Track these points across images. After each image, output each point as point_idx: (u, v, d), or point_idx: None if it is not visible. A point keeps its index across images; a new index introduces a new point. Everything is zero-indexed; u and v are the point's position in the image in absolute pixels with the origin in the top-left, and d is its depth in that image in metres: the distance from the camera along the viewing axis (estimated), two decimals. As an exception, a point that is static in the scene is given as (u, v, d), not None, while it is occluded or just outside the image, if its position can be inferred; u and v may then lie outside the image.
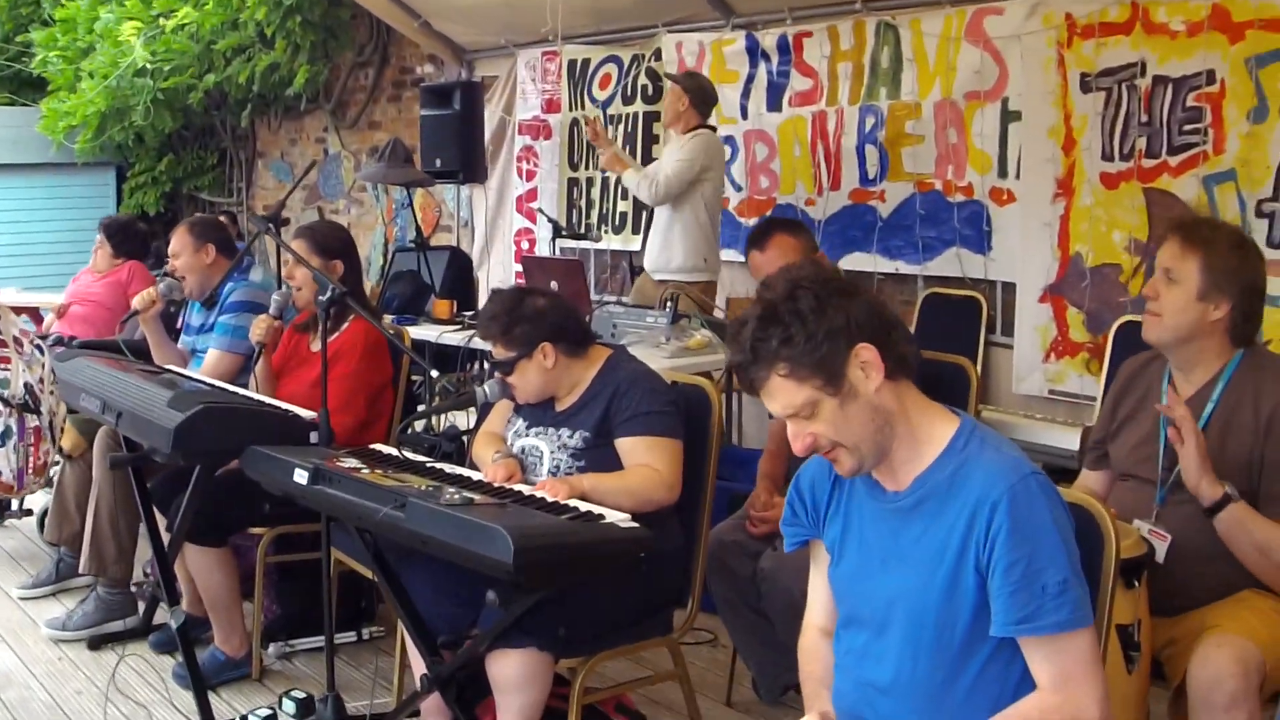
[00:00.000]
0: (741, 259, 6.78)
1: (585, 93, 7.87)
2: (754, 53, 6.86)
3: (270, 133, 11.34)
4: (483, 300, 8.10)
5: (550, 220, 6.94)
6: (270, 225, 4.01)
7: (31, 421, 2.89)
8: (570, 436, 3.29)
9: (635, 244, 7.50)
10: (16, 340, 3.08)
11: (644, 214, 7.42)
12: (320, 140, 10.80)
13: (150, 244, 6.98)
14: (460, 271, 7.27)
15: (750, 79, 6.91)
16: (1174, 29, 5.32)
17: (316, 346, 4.33)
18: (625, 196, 7.64)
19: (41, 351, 3.09)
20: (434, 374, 3.43)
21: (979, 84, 5.96)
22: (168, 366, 4.55)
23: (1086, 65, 5.58)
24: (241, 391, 4.02)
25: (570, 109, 7.97)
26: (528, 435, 3.39)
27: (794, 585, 3.49)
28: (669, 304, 5.22)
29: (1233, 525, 2.73)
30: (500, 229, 8.64)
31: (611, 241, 7.67)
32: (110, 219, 6.70)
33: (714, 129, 6.18)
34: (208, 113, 10.94)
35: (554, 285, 5.68)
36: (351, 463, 3.16)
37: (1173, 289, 2.89)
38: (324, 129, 10.71)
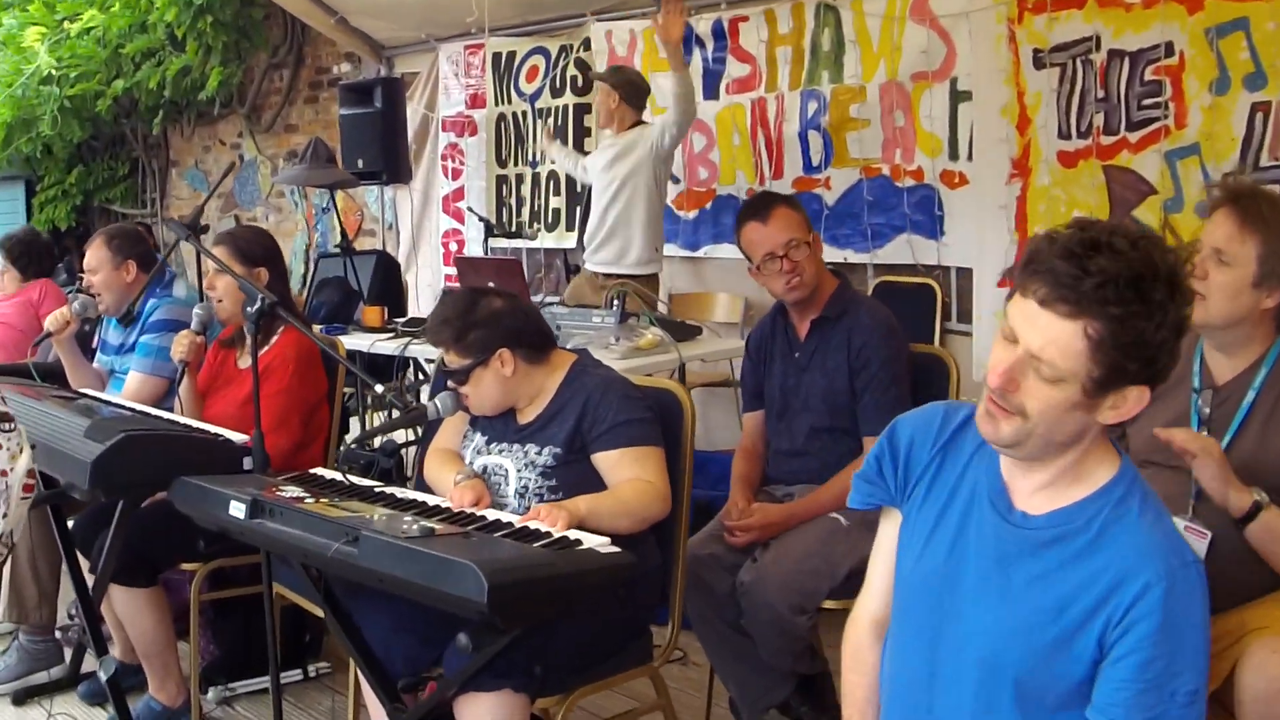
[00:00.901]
0: (686, 254, 6.58)
1: (512, 86, 7.58)
2: (688, 39, 6.57)
3: (183, 140, 10.91)
4: (413, 305, 7.84)
5: (481, 219, 6.66)
6: (189, 231, 3.69)
7: None
8: (539, 453, 2.99)
9: (569, 241, 7.24)
10: None
11: (578, 209, 7.16)
12: (235, 146, 10.40)
13: (59, 257, 6.58)
14: (388, 276, 6.95)
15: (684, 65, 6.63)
16: (1128, 1, 5.14)
17: (245, 363, 4.02)
18: (558, 192, 7.36)
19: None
20: (378, 388, 3.09)
21: (926, 64, 5.75)
22: (84, 390, 4.22)
23: (1039, 41, 5.39)
24: (165, 415, 3.70)
25: (496, 104, 7.67)
26: (489, 452, 3.08)
27: (777, 600, 3.26)
28: (615, 302, 4.95)
29: (1264, 534, 2.48)
30: (426, 230, 8.32)
31: (545, 239, 7.37)
32: (8, 238, 6.26)
33: (647, 124, 5.92)
34: (117, 121, 10.47)
35: (491, 286, 5.41)
36: (292, 491, 2.86)
37: (1224, 271, 2.58)
38: (239, 134, 10.31)
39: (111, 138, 11.19)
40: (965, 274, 5.77)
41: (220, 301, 3.96)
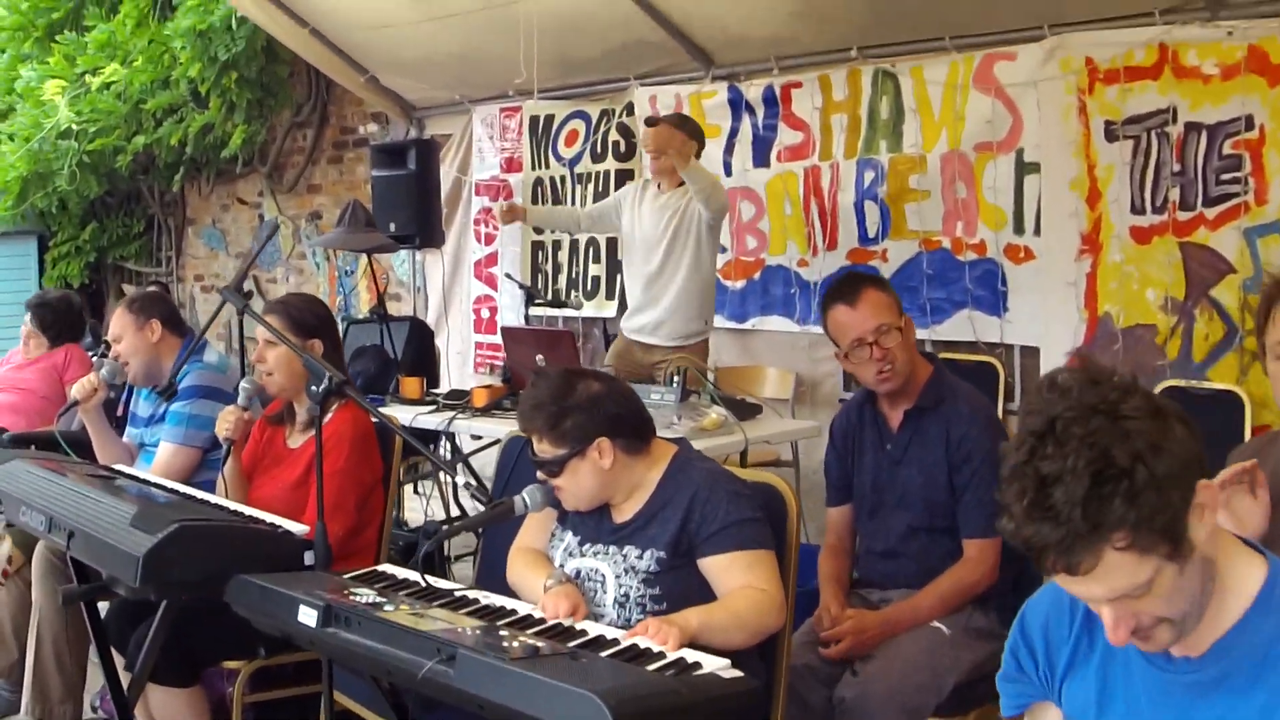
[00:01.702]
0: (733, 325, 6.34)
1: (550, 150, 7.36)
2: (737, 105, 6.40)
3: (201, 198, 10.70)
4: (446, 375, 7.59)
5: (522, 286, 6.42)
6: (245, 302, 3.45)
7: None
8: (639, 557, 2.72)
9: (609, 310, 7.00)
10: None
11: (618, 277, 6.92)
12: (256, 205, 10.19)
13: (86, 322, 6.34)
14: (422, 343, 6.73)
15: (734, 133, 6.44)
16: (1206, 72, 4.96)
17: (295, 442, 3.77)
18: (598, 259, 7.12)
19: None
20: (460, 480, 2.82)
21: (990, 134, 5.54)
22: (119, 467, 3.96)
23: (1111, 113, 5.19)
24: (213, 500, 3.43)
25: (533, 168, 7.45)
26: (583, 555, 2.81)
27: (881, 718, 2.99)
28: (675, 378, 4.70)
29: None
30: (457, 296, 8.08)
31: (585, 308, 7.11)
32: (40, 300, 5.99)
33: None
34: (134, 177, 10.25)
35: (539, 359, 5.17)
36: (366, 594, 2.60)
37: None
38: (259, 193, 10.11)
39: (127, 194, 10.97)
40: (1030, 352, 5.53)
41: (270, 375, 3.69)
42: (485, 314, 7.85)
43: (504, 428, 4.98)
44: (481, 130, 7.79)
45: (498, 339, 7.63)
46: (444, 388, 6.40)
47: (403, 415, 5.08)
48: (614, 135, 7.00)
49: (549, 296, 7.14)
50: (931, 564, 3.31)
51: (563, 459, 2.72)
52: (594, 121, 7.12)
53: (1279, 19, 4.77)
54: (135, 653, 3.27)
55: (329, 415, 3.66)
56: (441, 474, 6.36)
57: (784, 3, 5.71)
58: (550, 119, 7.34)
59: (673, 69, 6.65)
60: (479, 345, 7.89)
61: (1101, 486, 1.58)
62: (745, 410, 4.81)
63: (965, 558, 3.26)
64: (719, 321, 6.42)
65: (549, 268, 7.43)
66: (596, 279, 7.16)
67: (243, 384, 3.76)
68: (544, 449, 2.75)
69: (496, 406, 5.23)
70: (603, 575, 2.73)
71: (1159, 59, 5.05)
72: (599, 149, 7.09)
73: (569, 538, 2.86)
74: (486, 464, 7.05)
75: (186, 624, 3.22)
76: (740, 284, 6.45)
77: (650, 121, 5.62)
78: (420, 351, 6.64)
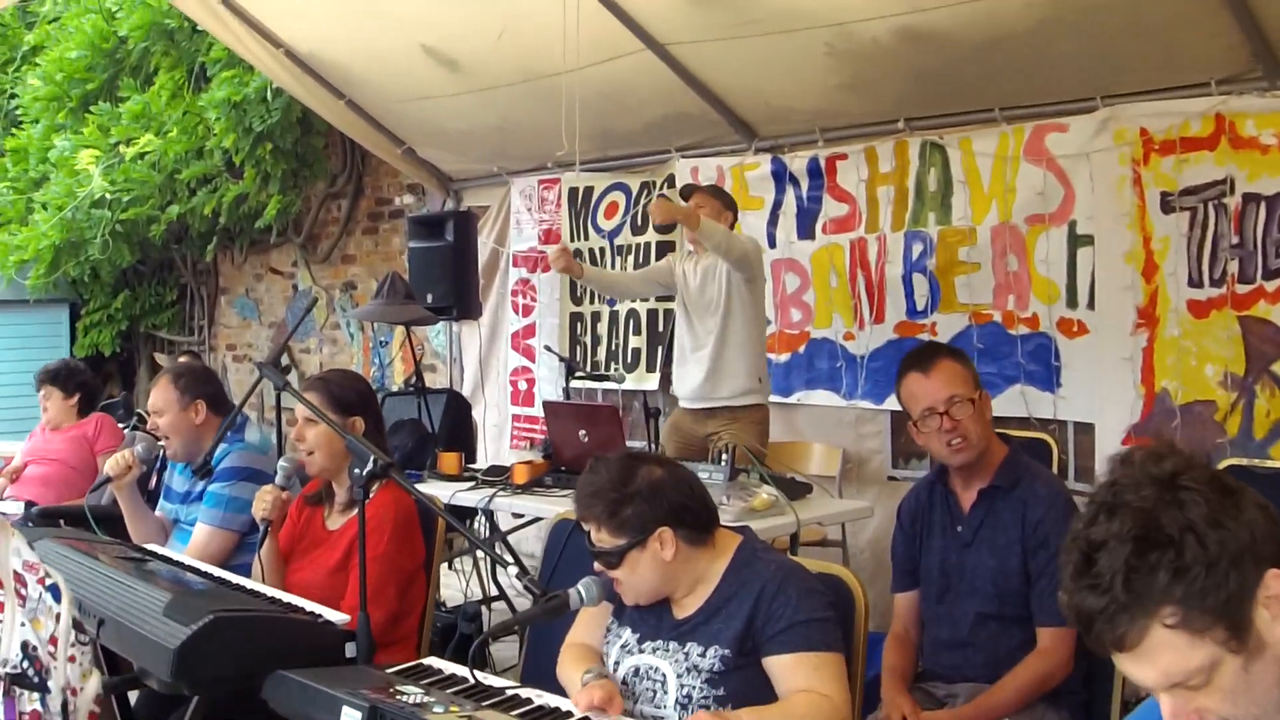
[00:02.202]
0: (777, 399, 6.20)
1: (589, 222, 7.27)
2: (780, 177, 6.30)
3: (234, 267, 10.66)
4: (483, 448, 7.46)
5: (562, 359, 6.30)
6: (285, 381, 3.34)
7: (28, 704, 2.01)
8: (702, 655, 2.55)
9: (650, 383, 6.88)
10: (18, 576, 2.13)
11: (659, 349, 6.80)
12: (289, 275, 10.14)
13: (101, 385, 6.25)
14: (459, 417, 6.62)
15: (777, 205, 6.34)
16: (1265, 143, 4.86)
17: (334, 523, 3.64)
18: (638, 331, 7.00)
19: (56, 597, 2.17)
20: (512, 571, 2.68)
21: (1042, 206, 5.43)
22: (150, 547, 3.83)
23: (1167, 184, 5.07)
24: (249, 585, 3.29)
25: (572, 239, 7.36)
26: (641, 652, 2.65)
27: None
28: (725, 456, 4.55)
29: None
30: (494, 368, 7.97)
31: (625, 381, 6.97)
32: (57, 370, 5.88)
33: None
34: (166, 246, 10.22)
35: (583, 435, 5.04)
36: (412, 692, 2.45)
37: None
38: (293, 263, 10.06)
39: (159, 263, 10.96)
40: (1084, 429, 5.38)
41: (311, 454, 3.56)
42: (523, 386, 7.74)
43: (545, 505, 4.86)
44: (519, 202, 7.71)
45: (536, 411, 7.52)
46: (481, 462, 6.29)
47: (441, 492, 4.94)
48: (655, 208, 6.90)
49: (589, 369, 7.01)
50: (1000, 655, 3.15)
51: (622, 550, 2.57)
52: (634, 193, 7.04)
53: (1340, 89, 4.67)
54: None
55: (370, 496, 3.54)
56: (479, 551, 6.22)
57: (829, 75, 5.62)
58: (590, 191, 7.26)
59: (714, 141, 6.57)
60: (516, 418, 7.77)
61: (1146, 555, 1.51)
62: (795, 489, 4.66)
63: (1040, 648, 3.10)
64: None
65: (588, 339, 7.32)
66: (637, 351, 7.04)
67: (281, 462, 3.62)
68: (602, 539, 2.60)
69: (538, 484, 5.10)
70: (663, 674, 2.57)
71: (1215, 129, 4.94)
72: (639, 221, 7.00)
73: (626, 634, 2.70)
74: (521, 540, 6.94)
75: (220, 715, 3.08)
76: (785, 357, 6.32)
77: (686, 192, 5.54)
78: (457, 424, 6.52)
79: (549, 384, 7.52)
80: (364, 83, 7.06)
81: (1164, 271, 5.09)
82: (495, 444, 7.79)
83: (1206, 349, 5.00)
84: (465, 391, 7.80)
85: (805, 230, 6.23)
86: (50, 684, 2.07)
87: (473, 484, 5.15)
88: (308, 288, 9.86)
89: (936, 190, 5.76)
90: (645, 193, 6.95)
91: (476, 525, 5.94)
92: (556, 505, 4.83)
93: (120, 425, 5.83)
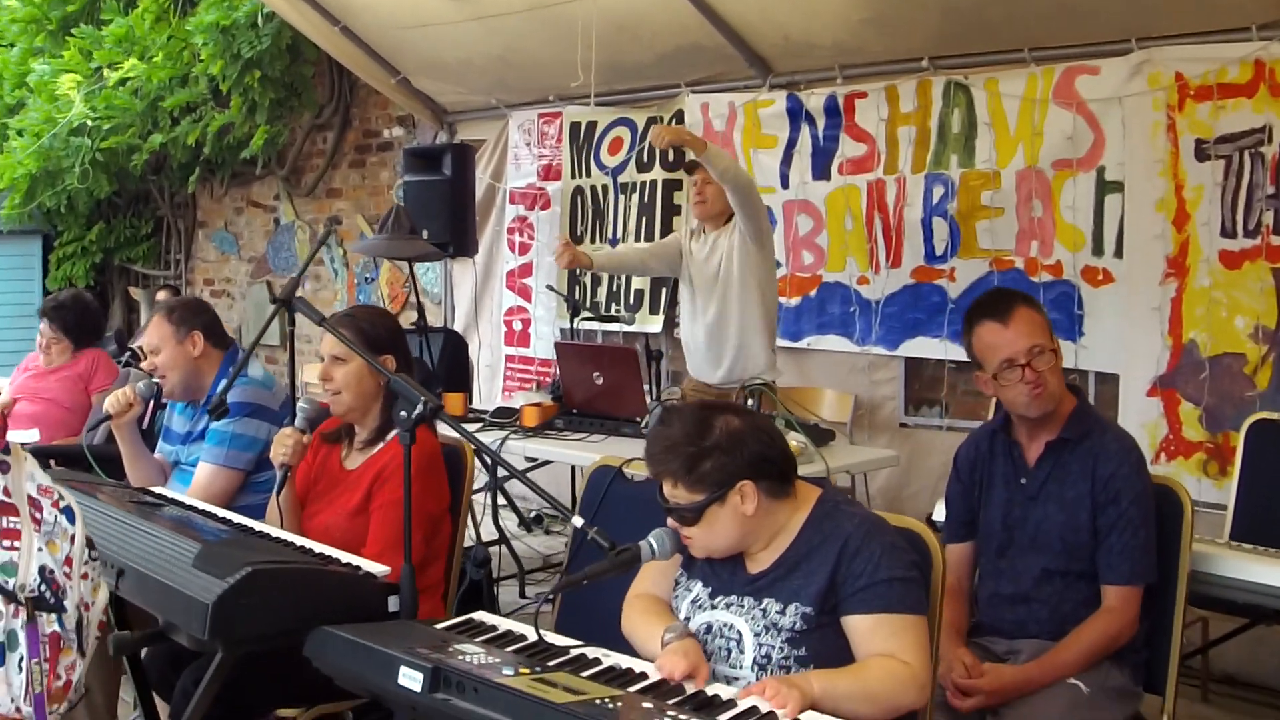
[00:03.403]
0: (787, 344, 6.04)
1: (592, 158, 7.07)
2: (796, 115, 6.11)
3: (213, 200, 10.39)
4: (477, 390, 7.28)
5: (568, 300, 6.12)
6: (321, 317, 3.16)
7: (48, 626, 1.99)
8: (781, 612, 2.39)
9: (654, 325, 6.71)
10: (33, 501, 2.15)
11: (664, 291, 6.62)
12: (271, 209, 9.88)
13: (105, 324, 6.01)
14: (457, 357, 6.43)
15: (792, 144, 6.15)
16: (1304, 90, 4.69)
17: (353, 463, 3.45)
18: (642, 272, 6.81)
19: (70, 518, 2.17)
20: (576, 521, 2.51)
21: (1070, 151, 5.28)
22: (160, 491, 3.63)
23: (1202, 131, 4.93)
24: (274, 533, 3.12)
25: (573, 176, 7.16)
26: (714, 608, 2.48)
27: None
28: (751, 403, 4.40)
29: None
30: (487, 307, 7.78)
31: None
32: (56, 302, 5.58)
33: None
34: (144, 177, 9.93)
35: (597, 377, 4.88)
36: (471, 650, 2.29)
37: None
38: (275, 196, 9.80)
39: (135, 194, 10.67)
40: (1107, 379, 5.27)
41: (338, 394, 3.37)
42: (518, 326, 7.55)
43: (557, 449, 4.71)
44: (518, 136, 7.50)
45: (531, 352, 7.36)
46: (475, 403, 6.11)
47: (448, 435, 4.77)
48: (662, 144, 6.69)
49: (587, 309, 6.82)
50: (1065, 612, 3.03)
51: (701, 505, 2.39)
52: (640, 129, 6.83)
53: (1386, 36, 4.53)
54: (182, 701, 2.95)
55: (392, 435, 3.37)
56: (484, 494, 6.07)
57: (854, 10, 5.43)
58: (593, 125, 7.05)
59: (727, 76, 6.37)
60: (510, 359, 7.59)
61: None
62: (820, 436, 4.52)
63: (1107, 606, 2.98)
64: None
65: (587, 280, 7.12)
66: (640, 292, 6.86)
67: (301, 403, 3.43)
68: (678, 495, 2.42)
69: (549, 426, 4.94)
70: (739, 632, 2.41)
71: (1255, 76, 4.80)
72: (645, 158, 6.80)
73: (697, 588, 2.53)
74: (515, 484, 6.78)
75: (240, 670, 2.90)
76: (795, 301, 6.16)
77: (690, 168, 5.30)
78: (455, 365, 6.34)
79: (545, 324, 7.34)
80: (362, 8, 6.83)
81: (1196, 221, 4.96)
82: (489, 385, 7.62)
83: (1237, 300, 4.87)
84: (458, 330, 7.61)
85: (820, 170, 6.05)
86: (66, 603, 2.06)
87: (480, 426, 4.99)
88: (290, 222, 9.62)
89: (960, 132, 5.59)
90: (652, 128, 6.74)
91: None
92: (568, 449, 4.69)
93: (115, 362, 5.57)
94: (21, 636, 2.03)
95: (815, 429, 4.55)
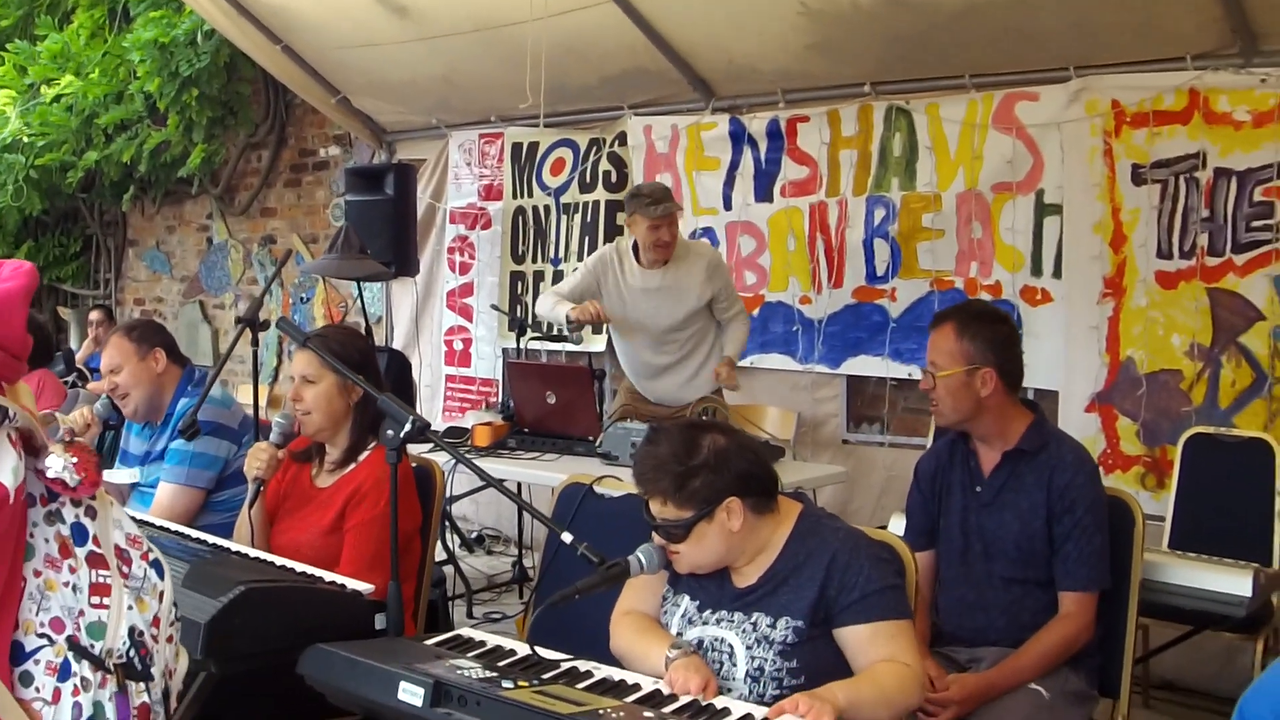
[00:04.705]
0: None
1: (534, 178, 7.12)
2: (739, 138, 6.22)
3: (144, 219, 10.30)
4: (421, 412, 7.26)
5: (514, 319, 6.16)
6: (305, 337, 3.19)
7: (138, 697, 1.74)
8: (772, 626, 2.45)
9: (598, 344, 6.75)
10: (120, 553, 1.80)
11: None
12: (204, 228, 9.82)
13: (56, 344, 5.95)
14: (401, 377, 6.42)
15: (734, 166, 6.26)
16: (1238, 119, 4.90)
17: (324, 482, 3.47)
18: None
19: (160, 573, 1.86)
20: (566, 538, 2.57)
21: (1009, 174, 5.43)
22: (132, 513, 3.62)
23: (1138, 156, 5.09)
24: (252, 552, 3.14)
25: (515, 196, 7.20)
26: (704, 623, 2.54)
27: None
28: (704, 419, 4.47)
29: None
30: (427, 327, 7.79)
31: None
32: None
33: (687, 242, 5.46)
34: (73, 195, 9.82)
35: (549, 396, 4.93)
36: (467, 665, 2.33)
37: None
38: (207, 215, 9.74)
39: (65, 212, 10.55)
40: (1046, 396, 5.38)
41: (309, 415, 3.40)
42: (459, 346, 7.58)
43: (510, 468, 4.73)
44: (458, 156, 7.53)
45: (472, 371, 7.39)
46: (422, 423, 6.11)
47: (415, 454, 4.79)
48: (605, 165, 6.77)
49: (528, 327, 6.84)
50: (1024, 619, 3.12)
51: (689, 522, 2.46)
52: (582, 150, 6.89)
53: (1314, 68, 4.71)
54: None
55: (364, 455, 3.41)
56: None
57: (800, 36, 5.54)
58: (534, 146, 7.11)
59: (670, 99, 6.46)
60: (450, 378, 7.61)
61: None
62: (771, 453, 4.60)
63: (1064, 612, 3.08)
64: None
65: (529, 299, 7.17)
66: (582, 312, 6.90)
67: (276, 418, 3.45)
68: (667, 512, 2.48)
69: (501, 446, 4.98)
70: (730, 646, 2.48)
71: (1189, 104, 4.97)
72: (588, 178, 6.87)
73: (686, 603, 2.59)
74: (459, 505, 6.83)
75: (219, 690, 2.92)
76: (736, 320, 6.24)
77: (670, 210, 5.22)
78: (399, 384, 6.32)
79: (487, 344, 7.38)
80: (304, 28, 6.82)
81: (1133, 242, 5.12)
82: (429, 405, 7.63)
83: (1174, 319, 5.03)
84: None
85: (763, 193, 6.16)
86: (153, 670, 1.85)
87: (431, 446, 5.00)
88: (223, 241, 9.57)
89: (901, 155, 5.72)
90: (594, 149, 6.82)
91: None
92: (522, 468, 4.72)
93: (63, 383, 5.52)
94: (110, 710, 1.78)
95: (765, 445, 4.62)
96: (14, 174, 8.73)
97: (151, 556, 1.83)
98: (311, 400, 3.39)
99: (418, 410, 6.90)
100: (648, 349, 5.33)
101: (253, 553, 3.13)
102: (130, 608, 1.77)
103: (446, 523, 6.57)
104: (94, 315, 8.95)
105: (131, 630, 1.75)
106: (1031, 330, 5.38)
